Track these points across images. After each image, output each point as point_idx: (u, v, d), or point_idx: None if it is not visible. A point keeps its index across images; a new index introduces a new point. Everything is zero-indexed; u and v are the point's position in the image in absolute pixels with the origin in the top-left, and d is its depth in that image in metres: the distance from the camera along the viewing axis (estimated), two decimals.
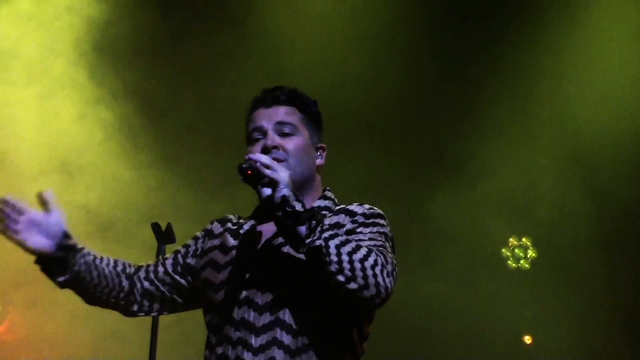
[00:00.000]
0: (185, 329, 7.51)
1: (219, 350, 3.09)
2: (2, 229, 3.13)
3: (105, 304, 3.32)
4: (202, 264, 3.26)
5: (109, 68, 7.96)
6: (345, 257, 2.87)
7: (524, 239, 8.73)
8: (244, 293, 3.09)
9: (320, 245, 2.86)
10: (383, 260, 2.92)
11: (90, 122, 7.86)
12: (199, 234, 3.37)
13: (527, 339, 8.56)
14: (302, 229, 2.87)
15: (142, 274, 3.34)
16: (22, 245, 3.13)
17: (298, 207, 2.89)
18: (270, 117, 3.20)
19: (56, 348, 7.81)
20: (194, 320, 6.92)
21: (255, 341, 3.03)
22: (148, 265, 3.36)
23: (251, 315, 3.06)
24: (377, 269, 2.89)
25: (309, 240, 2.87)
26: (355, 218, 3.10)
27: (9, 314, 7.92)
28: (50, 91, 7.80)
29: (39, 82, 7.78)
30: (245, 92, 3.30)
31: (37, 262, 3.19)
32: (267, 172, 2.93)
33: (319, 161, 3.25)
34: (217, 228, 3.33)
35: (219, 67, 8.18)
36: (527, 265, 8.71)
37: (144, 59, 8.11)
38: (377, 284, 2.89)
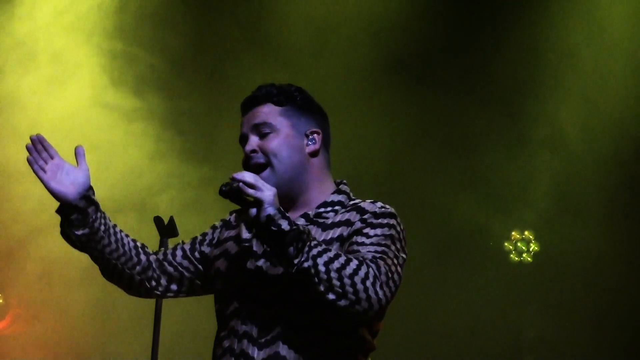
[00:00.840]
0: (189, 325, 7.50)
1: (226, 343, 3.09)
2: (30, 161, 3.14)
3: (120, 276, 3.27)
4: (216, 253, 3.26)
5: (130, 52, 7.91)
6: (334, 274, 2.84)
7: (526, 233, 8.72)
8: (252, 286, 3.08)
9: (309, 266, 2.83)
10: (375, 271, 2.88)
11: (107, 108, 7.81)
12: (217, 223, 3.37)
13: None
14: (290, 249, 2.85)
15: (160, 255, 3.33)
16: (46, 185, 3.12)
17: (284, 225, 2.86)
18: (249, 121, 3.19)
19: (58, 344, 7.81)
20: (197, 317, 6.91)
21: (260, 335, 3.02)
22: (166, 249, 3.36)
23: (258, 309, 3.04)
24: (368, 282, 2.86)
25: (296, 261, 2.84)
26: (365, 217, 3.06)
27: (11, 309, 7.92)
28: (65, 75, 7.75)
29: (53, 65, 7.72)
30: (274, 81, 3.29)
31: (58, 211, 3.17)
32: (250, 191, 2.89)
33: (310, 147, 3.19)
34: (234, 219, 3.32)
35: (246, 53, 8.12)
36: (529, 259, 8.71)
37: (169, 43, 8.07)
38: (368, 297, 2.86)
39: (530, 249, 8.73)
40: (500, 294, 8.49)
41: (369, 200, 3.15)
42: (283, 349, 2.99)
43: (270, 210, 2.87)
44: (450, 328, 8.39)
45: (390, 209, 3.11)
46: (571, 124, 8.52)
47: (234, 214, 3.35)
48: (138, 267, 3.27)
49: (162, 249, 3.38)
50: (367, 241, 3.00)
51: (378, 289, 2.87)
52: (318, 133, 3.22)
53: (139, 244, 3.31)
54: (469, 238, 8.52)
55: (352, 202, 3.17)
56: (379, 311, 2.92)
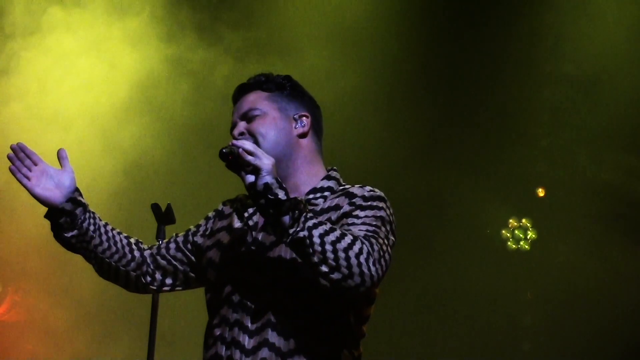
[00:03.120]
0: (186, 321, 7.50)
1: (217, 331, 3.10)
2: (12, 170, 3.17)
3: (116, 274, 3.31)
4: (209, 244, 3.26)
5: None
6: (328, 247, 2.85)
7: (523, 220, 8.73)
8: (242, 275, 3.09)
9: (304, 236, 2.84)
10: (369, 248, 2.90)
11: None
12: (210, 214, 3.38)
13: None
14: (286, 218, 2.86)
15: (154, 250, 3.35)
16: (31, 191, 3.16)
17: (281, 195, 2.87)
18: (238, 109, 3.24)
19: (57, 330, 7.81)
20: (194, 312, 6.92)
21: (251, 324, 3.03)
22: (160, 242, 3.38)
23: (249, 297, 3.05)
24: (362, 258, 2.87)
25: (292, 230, 2.85)
26: (354, 200, 3.07)
27: (9, 295, 7.92)
28: None
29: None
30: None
31: (47, 216, 3.21)
32: (250, 158, 2.91)
33: (299, 130, 3.22)
34: (227, 209, 3.33)
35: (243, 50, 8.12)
36: (527, 247, 8.72)
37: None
38: (361, 272, 2.86)
39: (528, 237, 8.74)
40: (497, 281, 8.50)
41: (358, 185, 3.16)
42: (272, 336, 3.00)
43: (268, 178, 2.89)
44: (446, 314, 8.41)
45: (379, 192, 3.12)
46: (568, 108, 8.52)
47: (226, 203, 3.36)
48: (132, 264, 3.30)
49: (158, 242, 3.40)
50: (358, 221, 3.01)
51: (371, 265, 2.88)
52: (307, 117, 3.25)
53: (132, 240, 3.34)
54: (466, 225, 8.52)
55: (341, 188, 3.19)
56: (369, 287, 2.92)
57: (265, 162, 2.92)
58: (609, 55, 8.36)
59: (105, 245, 3.25)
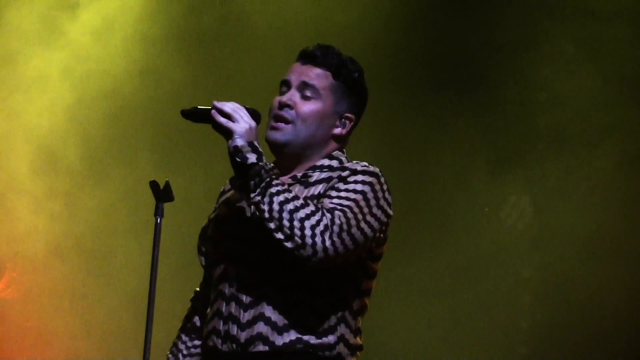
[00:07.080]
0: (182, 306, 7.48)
1: (215, 306, 3.12)
2: None
3: None
4: (211, 219, 3.27)
5: None
6: (286, 215, 2.86)
7: (522, 198, 8.73)
8: (238, 249, 3.09)
9: (264, 202, 2.86)
10: (328, 220, 2.88)
11: None
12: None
13: None
14: (251, 183, 2.89)
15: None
16: None
17: (250, 158, 2.90)
18: (300, 74, 3.16)
19: (54, 308, 7.82)
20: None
21: (246, 298, 3.04)
22: (200, 286, 3.42)
23: (244, 271, 3.06)
24: (318, 229, 2.86)
25: (253, 194, 2.88)
26: (343, 174, 3.06)
27: (6, 271, 7.92)
28: None
29: None
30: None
31: None
32: (222, 120, 2.94)
33: (338, 130, 3.18)
34: (227, 185, 3.32)
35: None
36: (522, 226, 8.71)
37: None
38: (313, 244, 2.86)
39: (525, 215, 8.74)
40: (494, 260, 8.51)
41: (356, 161, 3.14)
42: (268, 310, 3.01)
43: (239, 141, 2.91)
44: (442, 295, 8.42)
45: (372, 168, 3.10)
46: (569, 86, 8.48)
47: (228, 180, 3.32)
48: None
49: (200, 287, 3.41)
50: (334, 194, 3.00)
51: (327, 237, 2.87)
52: (351, 120, 3.22)
53: (197, 322, 3.39)
54: (462, 202, 8.52)
55: (341, 166, 3.16)
56: (324, 261, 2.89)
57: (240, 125, 2.93)
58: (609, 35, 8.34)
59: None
